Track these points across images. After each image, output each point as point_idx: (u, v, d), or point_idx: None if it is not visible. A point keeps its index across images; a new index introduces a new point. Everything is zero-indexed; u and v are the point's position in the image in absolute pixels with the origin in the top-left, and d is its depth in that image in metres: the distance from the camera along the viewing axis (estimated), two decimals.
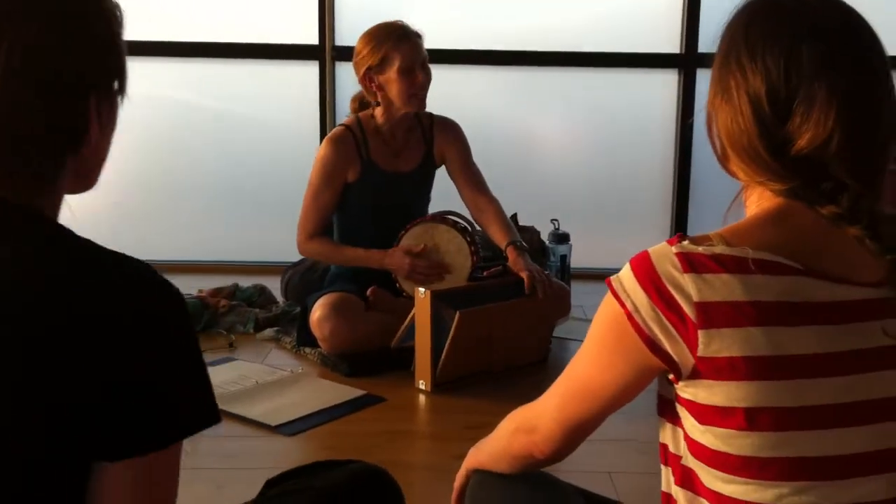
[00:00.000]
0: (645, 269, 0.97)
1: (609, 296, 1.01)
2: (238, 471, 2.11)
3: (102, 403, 0.83)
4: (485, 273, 2.86)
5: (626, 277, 0.99)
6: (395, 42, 2.86)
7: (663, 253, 0.97)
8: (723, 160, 1.06)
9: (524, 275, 2.78)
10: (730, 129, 1.02)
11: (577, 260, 3.74)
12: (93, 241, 0.90)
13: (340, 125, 3.02)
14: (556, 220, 3.70)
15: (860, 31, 1.01)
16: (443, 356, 2.63)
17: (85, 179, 0.97)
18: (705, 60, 3.94)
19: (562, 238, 3.67)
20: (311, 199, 2.98)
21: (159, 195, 4.21)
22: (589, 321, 3.68)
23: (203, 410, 0.89)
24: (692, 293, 0.94)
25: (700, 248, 0.95)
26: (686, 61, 4.10)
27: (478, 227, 3.07)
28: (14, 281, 0.83)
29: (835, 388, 0.94)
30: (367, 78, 2.91)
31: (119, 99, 0.98)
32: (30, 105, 0.87)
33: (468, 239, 2.89)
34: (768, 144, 0.98)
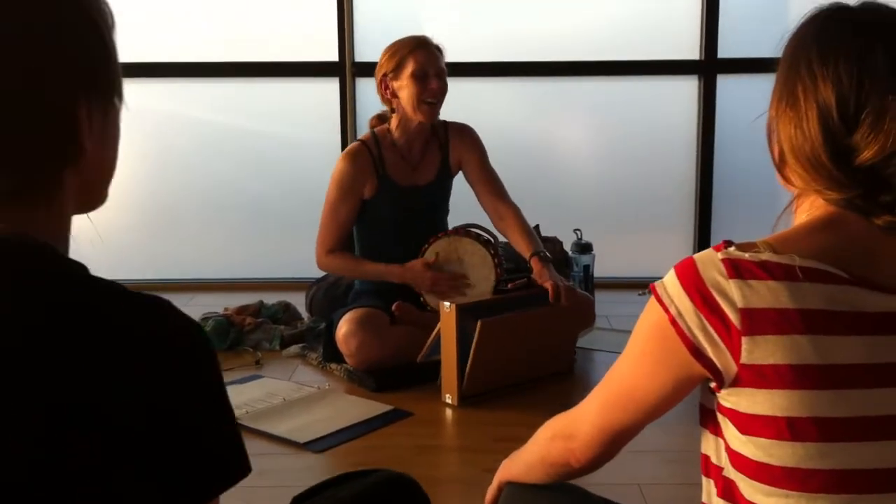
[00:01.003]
0: (690, 275, 0.97)
1: (652, 301, 1.00)
2: (267, 489, 2.11)
3: (130, 464, 0.75)
4: (509, 286, 2.86)
5: (670, 283, 0.98)
6: (412, 49, 2.89)
7: (709, 259, 0.97)
8: (779, 166, 1.05)
9: (548, 284, 2.77)
10: (793, 136, 1.01)
11: (600, 270, 3.74)
12: (99, 278, 0.81)
13: (356, 140, 3.04)
14: (578, 230, 3.70)
15: None
16: (468, 367, 2.63)
17: (91, 196, 0.91)
18: (725, 66, 3.92)
19: (585, 248, 3.66)
20: (328, 214, 3.00)
21: (184, 213, 4.24)
22: (613, 331, 3.67)
23: (234, 463, 0.83)
24: (737, 299, 0.93)
25: (746, 255, 0.95)
26: (706, 67, 4.09)
27: (501, 239, 3.07)
28: (26, 346, 0.74)
29: (881, 400, 0.93)
30: (382, 84, 2.94)
31: (114, 107, 0.90)
32: (9, 113, 0.80)
33: (492, 252, 2.90)
34: (832, 153, 0.98)
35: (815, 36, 1.02)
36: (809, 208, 1.02)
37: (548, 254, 2.94)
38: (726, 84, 4.10)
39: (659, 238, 4.26)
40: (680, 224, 4.23)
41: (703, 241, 4.18)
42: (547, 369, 2.85)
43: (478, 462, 2.24)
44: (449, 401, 2.66)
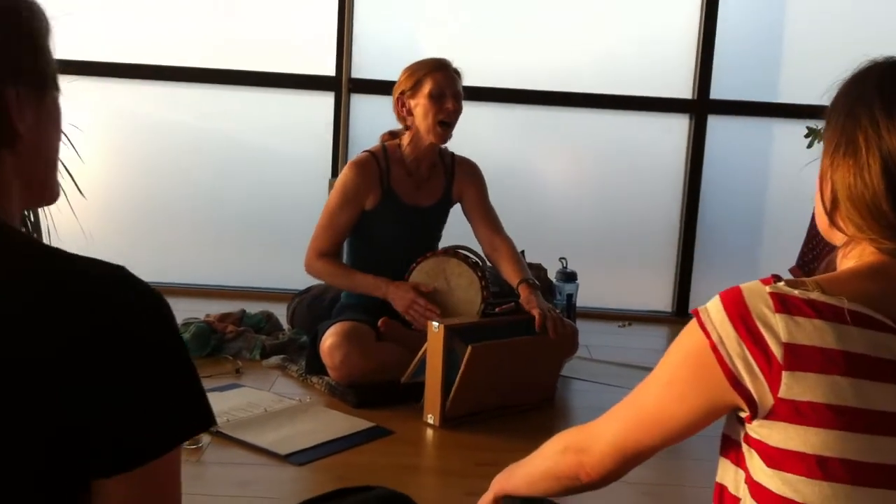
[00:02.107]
0: (735, 304, 0.98)
1: (693, 325, 1.01)
2: (249, 499, 2.10)
3: (88, 419, 0.81)
4: (497, 310, 2.87)
5: (714, 309, 0.99)
6: (432, 69, 2.94)
7: (756, 290, 0.98)
8: (831, 213, 1.06)
9: (535, 312, 2.79)
10: (851, 184, 1.02)
11: (583, 299, 3.76)
12: (56, 247, 0.87)
13: (365, 151, 3.06)
14: (564, 258, 3.72)
15: None
16: (453, 390, 2.63)
17: (38, 187, 0.95)
18: (717, 107, 3.98)
19: (569, 277, 3.69)
20: (326, 219, 3.01)
21: (171, 218, 4.22)
22: (593, 360, 3.67)
23: (194, 414, 0.87)
24: (782, 333, 0.94)
25: (796, 292, 0.96)
26: (698, 106, 4.15)
27: (489, 264, 3.09)
28: None
29: None
30: (399, 102, 2.98)
31: (50, 96, 0.95)
32: None
33: (479, 274, 2.91)
34: (894, 202, 1.00)
35: (876, 87, 1.04)
36: (860, 255, 1.04)
37: (536, 282, 2.96)
38: (718, 124, 4.16)
39: (641, 271, 4.30)
40: (663, 259, 4.27)
41: (684, 278, 4.23)
42: (530, 396, 2.85)
43: (459, 485, 2.24)
44: (431, 421, 2.66)
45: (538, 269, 3.60)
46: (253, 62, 4.11)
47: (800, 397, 0.94)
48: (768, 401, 0.96)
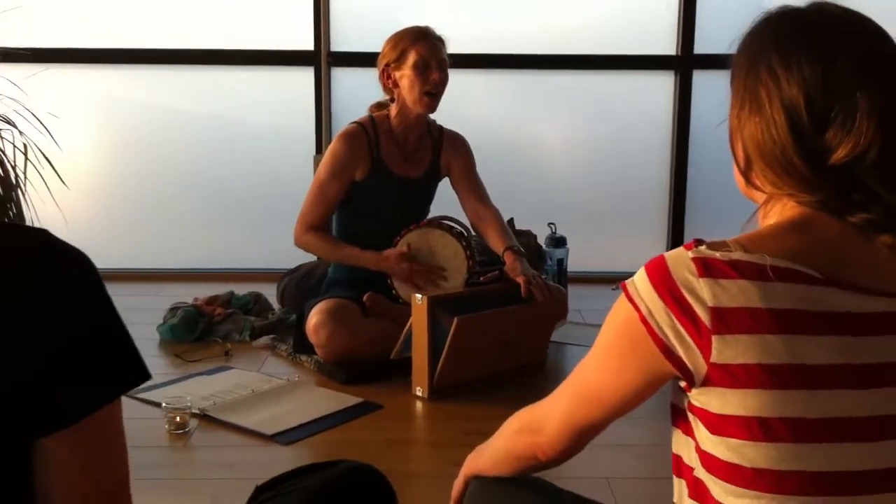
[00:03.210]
0: (660, 274, 0.95)
1: (622, 299, 0.99)
2: (235, 481, 2.09)
3: (19, 378, 0.80)
4: (482, 278, 2.85)
5: (640, 281, 0.97)
6: (414, 39, 2.90)
7: (679, 257, 0.95)
8: (746, 172, 1.04)
9: (520, 280, 2.76)
10: (760, 140, 0.99)
11: (574, 264, 3.73)
12: None
13: (354, 122, 3.02)
14: (552, 223, 3.69)
15: (887, 42, 1.00)
16: (440, 363, 2.61)
17: None
18: (701, 62, 3.93)
19: (559, 242, 3.66)
20: (315, 191, 2.98)
21: (155, 202, 4.19)
22: (586, 325, 3.67)
23: (125, 368, 0.87)
24: (707, 298, 0.92)
25: (717, 254, 0.94)
26: (682, 62, 4.09)
27: (474, 233, 3.06)
28: None
29: (854, 401, 0.92)
30: (384, 73, 2.94)
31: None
32: None
33: (464, 243, 2.88)
34: (804, 154, 0.96)
35: (771, 39, 1.01)
36: (780, 212, 1.01)
37: (521, 248, 2.93)
38: (702, 80, 4.11)
39: (633, 232, 4.26)
40: (654, 219, 4.24)
41: (676, 235, 4.19)
42: (519, 364, 2.84)
43: (447, 456, 2.23)
44: (419, 393, 2.65)
45: (527, 236, 3.57)
46: (230, 41, 4.06)
47: (732, 361, 0.91)
48: (702, 368, 0.93)
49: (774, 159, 0.99)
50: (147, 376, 0.89)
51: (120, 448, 0.87)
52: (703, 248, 0.95)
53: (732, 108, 1.04)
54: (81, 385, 0.83)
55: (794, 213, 0.99)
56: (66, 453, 0.83)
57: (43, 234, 0.86)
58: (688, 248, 0.96)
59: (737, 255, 0.93)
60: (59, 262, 0.85)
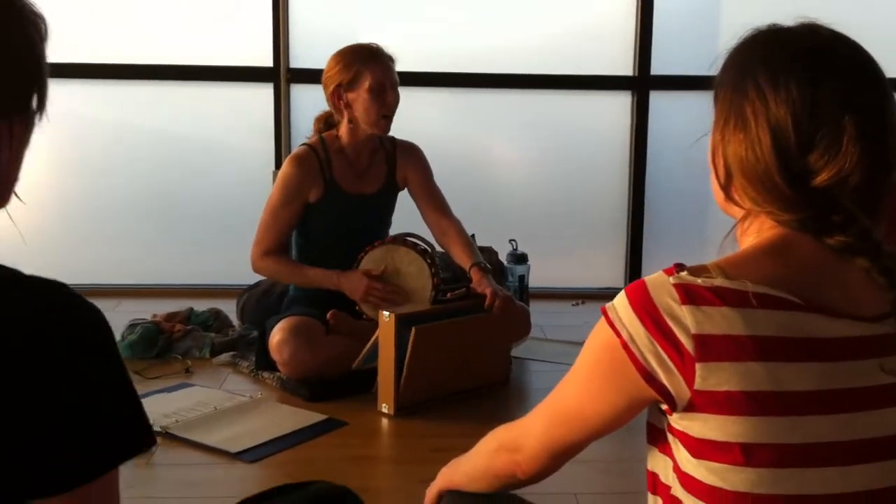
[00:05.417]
0: (641, 299, 0.96)
1: (603, 323, 0.99)
2: (199, 499, 2.07)
3: (25, 438, 0.78)
4: (448, 295, 2.85)
5: (621, 306, 0.97)
6: (368, 60, 2.87)
7: (660, 283, 0.96)
8: (725, 188, 1.04)
9: (487, 290, 2.77)
10: (743, 158, 1.00)
11: (535, 280, 3.76)
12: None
13: (303, 144, 3.00)
14: (514, 240, 3.72)
15: (873, 67, 1.01)
16: (403, 374, 2.61)
17: None
18: (658, 82, 3.98)
19: (520, 258, 3.68)
20: (269, 216, 2.95)
21: (112, 218, 4.13)
22: (548, 341, 3.68)
23: (134, 434, 0.85)
24: (690, 325, 0.93)
25: (699, 280, 0.94)
26: (639, 83, 4.15)
27: (439, 249, 3.07)
28: None
29: (834, 426, 0.93)
30: (336, 95, 2.90)
31: (36, 119, 0.91)
32: None
33: (428, 261, 2.89)
34: (786, 175, 0.97)
35: (762, 55, 1.02)
36: (758, 230, 1.02)
37: (487, 265, 2.95)
38: (659, 100, 4.17)
39: (592, 250, 4.31)
40: (613, 235, 4.28)
41: (634, 253, 4.24)
42: (483, 379, 2.84)
43: (413, 473, 2.22)
44: (385, 410, 2.64)
45: (489, 253, 3.58)
46: (188, 56, 4.03)
47: (716, 388, 0.92)
48: (685, 394, 0.94)
49: (756, 177, 0.99)
50: (153, 442, 0.87)
51: None
52: (684, 273, 0.96)
53: (716, 123, 1.05)
54: (85, 451, 0.81)
55: (772, 233, 1.00)
56: None
57: (57, 288, 0.84)
58: (668, 272, 0.97)
59: (718, 281, 0.94)
60: (71, 320, 0.83)
